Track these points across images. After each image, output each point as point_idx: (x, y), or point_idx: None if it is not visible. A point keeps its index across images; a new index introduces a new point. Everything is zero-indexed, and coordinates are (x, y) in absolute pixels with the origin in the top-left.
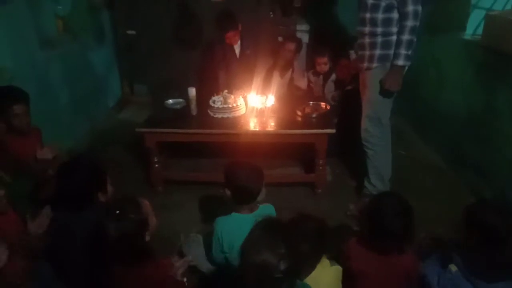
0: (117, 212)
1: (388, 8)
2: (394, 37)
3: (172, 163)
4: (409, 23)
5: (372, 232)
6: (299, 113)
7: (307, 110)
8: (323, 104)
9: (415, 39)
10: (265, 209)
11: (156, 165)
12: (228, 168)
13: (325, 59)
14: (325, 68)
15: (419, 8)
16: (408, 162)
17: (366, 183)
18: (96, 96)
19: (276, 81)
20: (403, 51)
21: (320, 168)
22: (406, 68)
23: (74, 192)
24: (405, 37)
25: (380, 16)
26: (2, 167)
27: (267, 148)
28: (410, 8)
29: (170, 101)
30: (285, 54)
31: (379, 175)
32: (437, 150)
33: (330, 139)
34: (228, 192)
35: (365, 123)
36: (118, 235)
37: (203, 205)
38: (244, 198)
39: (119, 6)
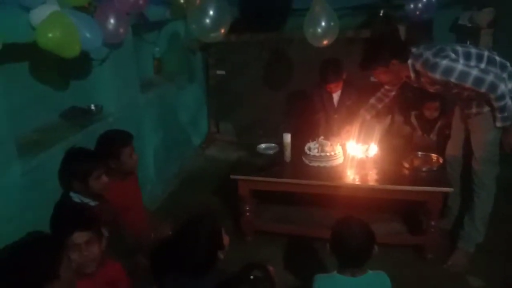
0: (251, 277)
1: None
2: None
3: (260, 210)
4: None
5: None
6: (406, 165)
7: (416, 162)
8: (434, 156)
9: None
10: (375, 278)
11: (248, 214)
12: (336, 226)
13: (436, 104)
14: (435, 114)
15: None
16: None
17: (468, 230)
18: (186, 134)
19: (375, 127)
20: (498, 114)
21: (432, 230)
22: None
23: (202, 257)
24: (495, 104)
25: None
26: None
27: (362, 200)
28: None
29: (263, 145)
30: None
31: (485, 220)
32: None
33: None
34: (331, 250)
35: (479, 165)
36: None
37: (293, 261)
38: (349, 261)
39: (212, 48)
